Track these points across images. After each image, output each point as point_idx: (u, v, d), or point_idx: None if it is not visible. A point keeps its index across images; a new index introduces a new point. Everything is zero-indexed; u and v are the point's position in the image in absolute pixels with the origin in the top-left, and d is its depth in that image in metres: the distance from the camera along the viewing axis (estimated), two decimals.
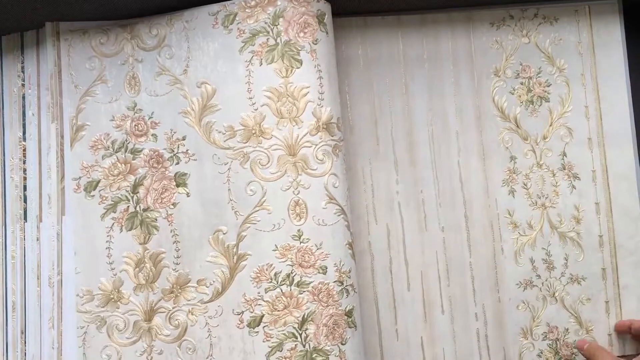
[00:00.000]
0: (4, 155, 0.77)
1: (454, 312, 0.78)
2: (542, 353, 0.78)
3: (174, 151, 0.72)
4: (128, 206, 0.72)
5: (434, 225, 0.79)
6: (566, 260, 0.79)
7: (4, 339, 0.74)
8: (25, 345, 0.74)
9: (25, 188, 0.76)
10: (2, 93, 0.77)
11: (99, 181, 0.72)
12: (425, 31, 0.80)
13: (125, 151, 0.73)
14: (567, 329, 0.78)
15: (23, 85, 0.76)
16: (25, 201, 0.75)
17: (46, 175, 0.74)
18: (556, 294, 0.78)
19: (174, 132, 0.72)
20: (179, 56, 0.73)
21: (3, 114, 0.77)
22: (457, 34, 0.80)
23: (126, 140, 0.73)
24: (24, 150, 0.76)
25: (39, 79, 0.76)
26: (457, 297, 0.78)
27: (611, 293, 0.79)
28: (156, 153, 0.72)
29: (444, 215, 0.79)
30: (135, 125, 0.73)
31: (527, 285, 0.78)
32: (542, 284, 0.79)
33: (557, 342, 0.78)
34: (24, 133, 0.76)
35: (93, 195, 0.72)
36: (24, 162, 0.76)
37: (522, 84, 0.80)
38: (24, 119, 0.76)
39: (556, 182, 0.80)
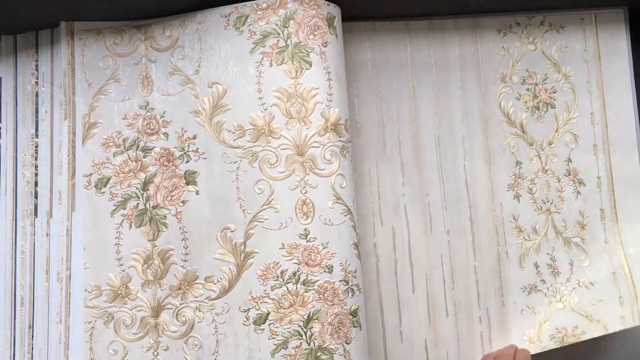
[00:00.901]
0: (16, 151, 0.77)
1: (459, 315, 0.78)
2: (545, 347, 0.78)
3: (184, 150, 0.73)
4: (138, 203, 0.73)
5: (439, 228, 0.79)
6: (571, 265, 0.79)
7: (12, 333, 0.75)
8: (32, 340, 0.74)
9: (36, 184, 0.76)
10: (16, 90, 0.78)
11: (109, 178, 0.73)
12: (433, 37, 0.81)
13: (137, 149, 0.74)
14: (576, 326, 0.78)
15: (37, 83, 0.78)
16: (36, 197, 0.76)
17: (57, 171, 0.75)
18: (563, 299, 0.79)
19: (185, 131, 0.73)
20: (191, 57, 0.74)
21: (17, 111, 0.78)
22: (464, 40, 0.81)
23: (138, 139, 0.74)
24: (36, 146, 0.77)
25: (52, 77, 0.77)
26: (461, 300, 0.79)
27: (625, 291, 0.79)
28: (167, 151, 0.73)
29: (450, 219, 0.79)
30: (147, 123, 0.74)
31: (532, 290, 0.79)
32: (547, 289, 0.79)
33: (565, 337, 0.78)
34: (37, 130, 0.77)
35: (103, 192, 0.73)
36: (36, 159, 0.77)
37: (528, 90, 0.81)
38: (36, 116, 0.77)
39: (561, 188, 0.80)
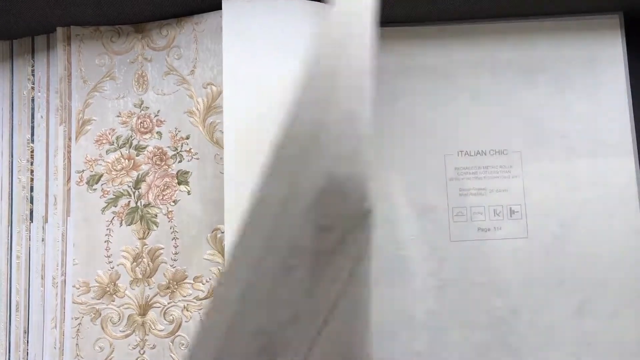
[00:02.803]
0: (12, 156, 0.78)
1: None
2: None
3: (177, 149, 0.73)
4: (129, 201, 0.73)
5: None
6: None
7: (7, 339, 0.74)
8: (27, 345, 0.74)
9: (32, 189, 0.76)
10: (12, 96, 0.79)
11: (101, 175, 0.73)
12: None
13: (130, 147, 0.74)
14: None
15: (33, 88, 0.78)
16: (31, 202, 0.76)
17: (53, 177, 0.75)
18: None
19: (179, 131, 0.73)
20: (187, 57, 0.74)
21: (12, 116, 0.78)
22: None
23: (131, 137, 0.74)
24: (32, 152, 0.77)
25: (48, 82, 0.78)
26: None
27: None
28: (160, 150, 0.73)
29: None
30: (141, 122, 0.74)
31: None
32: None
33: None
34: (32, 135, 0.77)
35: (95, 189, 0.73)
36: (32, 164, 0.77)
37: None
38: (32, 122, 0.78)
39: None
